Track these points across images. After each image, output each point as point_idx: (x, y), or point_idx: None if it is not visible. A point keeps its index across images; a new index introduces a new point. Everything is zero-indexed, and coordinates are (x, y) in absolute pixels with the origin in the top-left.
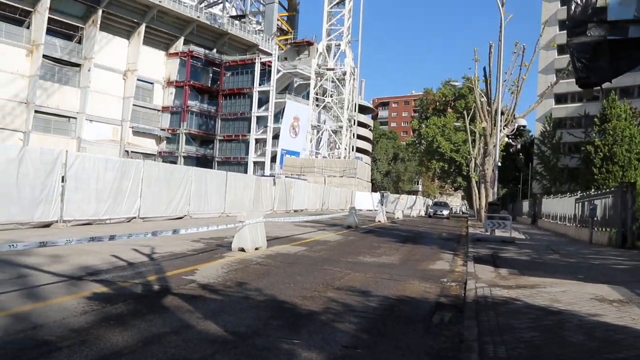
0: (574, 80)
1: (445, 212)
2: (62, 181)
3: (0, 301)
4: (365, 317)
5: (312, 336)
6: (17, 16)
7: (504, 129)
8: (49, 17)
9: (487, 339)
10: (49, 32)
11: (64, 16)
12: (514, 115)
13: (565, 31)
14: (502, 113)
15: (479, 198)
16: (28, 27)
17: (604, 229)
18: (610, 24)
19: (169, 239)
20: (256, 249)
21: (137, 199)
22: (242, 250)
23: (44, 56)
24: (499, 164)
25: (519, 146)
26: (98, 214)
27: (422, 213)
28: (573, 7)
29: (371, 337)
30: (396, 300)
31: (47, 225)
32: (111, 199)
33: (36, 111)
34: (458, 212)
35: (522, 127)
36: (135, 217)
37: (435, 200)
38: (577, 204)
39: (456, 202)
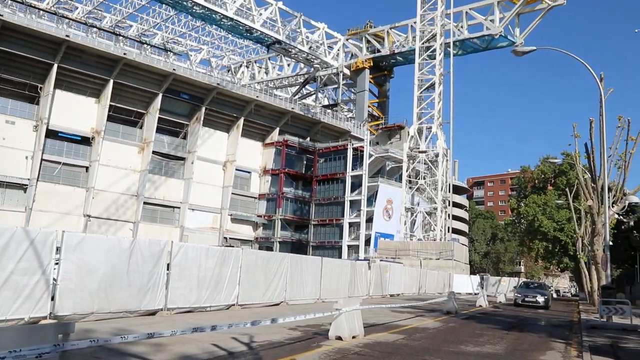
0: None
1: (541, 299)
2: (168, 269)
3: None
4: None
5: None
6: (132, 118)
7: (612, 206)
8: (159, 117)
9: None
10: (158, 130)
11: (171, 115)
12: (624, 191)
13: None
14: (610, 189)
15: (590, 280)
16: (141, 127)
17: None
18: None
19: (268, 327)
20: (353, 337)
21: (235, 286)
22: (339, 338)
23: (153, 152)
24: (611, 243)
25: (631, 223)
26: (199, 302)
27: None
28: None
29: None
30: None
31: (152, 313)
32: (211, 286)
33: (145, 202)
34: (567, 294)
35: (634, 204)
36: (234, 305)
37: (524, 280)
38: None
39: (564, 283)
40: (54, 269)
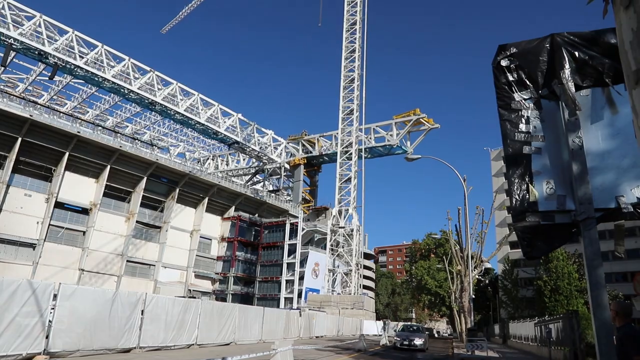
0: None
1: (419, 342)
2: (142, 315)
3: None
4: None
5: None
6: (122, 195)
7: (474, 270)
8: (142, 195)
9: None
10: (142, 205)
11: (153, 194)
12: (481, 259)
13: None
14: (472, 257)
15: (460, 323)
16: (128, 202)
17: (559, 348)
18: (541, 213)
19: None
20: None
21: (195, 329)
22: None
23: (137, 222)
24: (473, 296)
25: (487, 281)
26: (166, 341)
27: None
28: (514, 201)
29: None
30: None
31: (127, 350)
32: (176, 329)
33: (127, 260)
34: (445, 334)
35: (488, 268)
36: (193, 344)
37: (404, 324)
38: (536, 327)
39: (442, 326)
40: (50, 313)
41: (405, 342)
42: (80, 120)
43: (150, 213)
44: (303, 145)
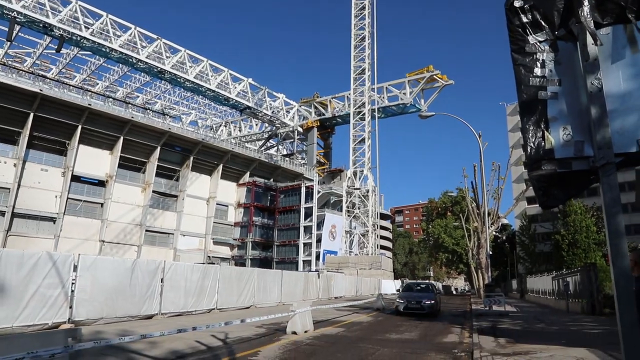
0: None
1: (427, 303)
2: (162, 282)
3: None
4: None
5: None
6: (137, 165)
7: (491, 226)
8: (157, 165)
9: None
10: (157, 174)
11: (167, 163)
12: (498, 215)
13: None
14: (489, 214)
15: (478, 280)
16: (144, 172)
17: (577, 300)
18: (558, 161)
19: (239, 326)
20: (305, 331)
21: (215, 294)
22: (295, 333)
23: (153, 191)
24: (490, 252)
25: (504, 238)
26: (186, 307)
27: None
28: (529, 150)
29: None
30: None
31: (150, 317)
32: (196, 295)
33: (146, 230)
34: (464, 290)
35: (505, 224)
36: (214, 309)
37: (408, 282)
38: (553, 281)
39: (460, 283)
40: (72, 283)
41: (411, 305)
42: (90, 93)
43: (166, 182)
44: (315, 107)
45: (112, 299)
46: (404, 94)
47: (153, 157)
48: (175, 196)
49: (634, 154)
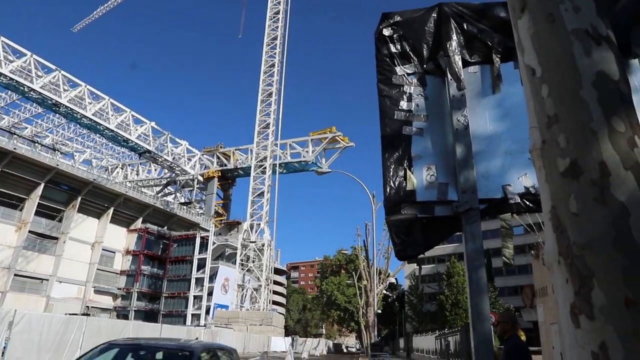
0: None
1: None
2: (8, 335)
3: None
4: None
5: None
6: (13, 202)
7: (380, 284)
8: (38, 202)
9: None
10: (37, 213)
11: (50, 201)
12: (388, 274)
13: None
14: (379, 273)
15: (367, 338)
16: (21, 210)
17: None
18: (419, 204)
19: None
20: None
21: (77, 350)
22: None
23: (30, 231)
24: (379, 311)
25: (394, 297)
26: None
27: (324, 352)
28: (388, 190)
29: None
30: None
31: None
32: (52, 351)
33: (15, 274)
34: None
35: (394, 283)
36: None
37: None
38: (436, 341)
39: (352, 341)
40: None
41: None
42: None
43: (47, 222)
44: (218, 157)
45: None
46: (307, 152)
47: (34, 194)
48: (56, 238)
49: (499, 201)
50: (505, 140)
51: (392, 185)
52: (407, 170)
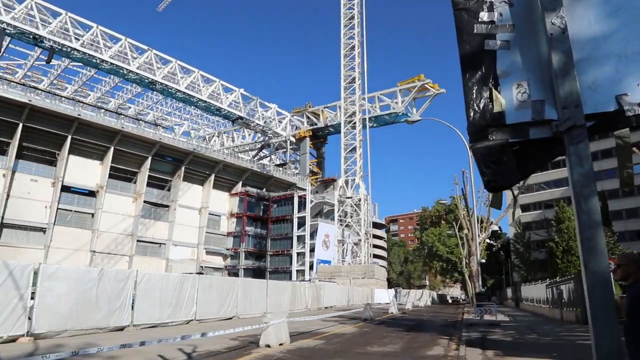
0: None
1: None
2: (134, 291)
3: None
4: None
5: None
6: (127, 176)
7: (482, 233)
8: (148, 175)
9: None
10: (148, 184)
11: (158, 173)
12: (490, 222)
13: None
14: (481, 222)
15: (471, 288)
16: (135, 183)
17: (571, 309)
18: (510, 127)
19: (212, 338)
20: (280, 344)
21: (193, 304)
22: (268, 346)
23: (144, 201)
24: (483, 260)
25: (499, 245)
26: (162, 318)
27: (429, 303)
28: (472, 114)
29: None
30: None
31: (121, 329)
32: (172, 306)
33: (138, 240)
34: (460, 299)
35: (497, 231)
36: (192, 320)
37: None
38: (547, 290)
39: (456, 291)
40: (31, 293)
41: None
42: (82, 104)
43: (157, 192)
44: (308, 117)
45: (77, 309)
46: (396, 103)
47: (144, 167)
48: (167, 206)
49: (612, 115)
50: (618, 42)
51: (476, 109)
52: (493, 90)
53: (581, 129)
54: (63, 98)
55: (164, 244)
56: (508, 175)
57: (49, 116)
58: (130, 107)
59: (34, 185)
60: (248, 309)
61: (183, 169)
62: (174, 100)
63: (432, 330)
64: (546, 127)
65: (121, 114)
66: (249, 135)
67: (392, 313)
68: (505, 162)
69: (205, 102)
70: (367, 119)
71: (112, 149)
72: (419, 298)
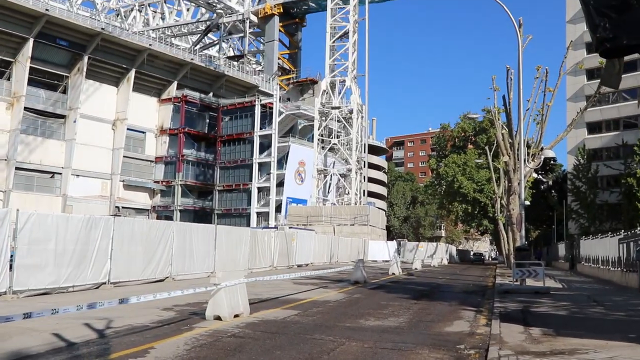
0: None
1: None
2: (13, 242)
3: None
4: None
5: None
6: None
7: (529, 162)
8: (30, 67)
9: None
10: (31, 82)
11: (47, 65)
12: (541, 147)
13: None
14: (528, 146)
15: (507, 242)
16: (8, 79)
17: None
18: None
19: (134, 307)
20: (236, 316)
21: (106, 261)
22: (218, 318)
23: (26, 109)
24: (528, 203)
25: (550, 182)
26: (58, 282)
27: (445, 262)
28: None
29: None
30: None
31: None
32: (73, 263)
33: (17, 168)
34: (487, 258)
35: (550, 160)
36: (105, 283)
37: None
38: (621, 245)
39: (484, 247)
40: None
41: None
42: None
43: (46, 95)
44: None
45: None
46: None
47: (22, 55)
48: (63, 116)
49: None
50: None
51: None
52: None
53: None
54: None
55: (59, 173)
56: (635, 27)
57: None
58: None
59: None
60: (188, 267)
61: (86, 59)
62: None
63: (452, 298)
64: None
65: None
66: (188, 10)
67: (393, 274)
68: (634, 9)
69: None
70: None
71: None
72: (431, 254)
